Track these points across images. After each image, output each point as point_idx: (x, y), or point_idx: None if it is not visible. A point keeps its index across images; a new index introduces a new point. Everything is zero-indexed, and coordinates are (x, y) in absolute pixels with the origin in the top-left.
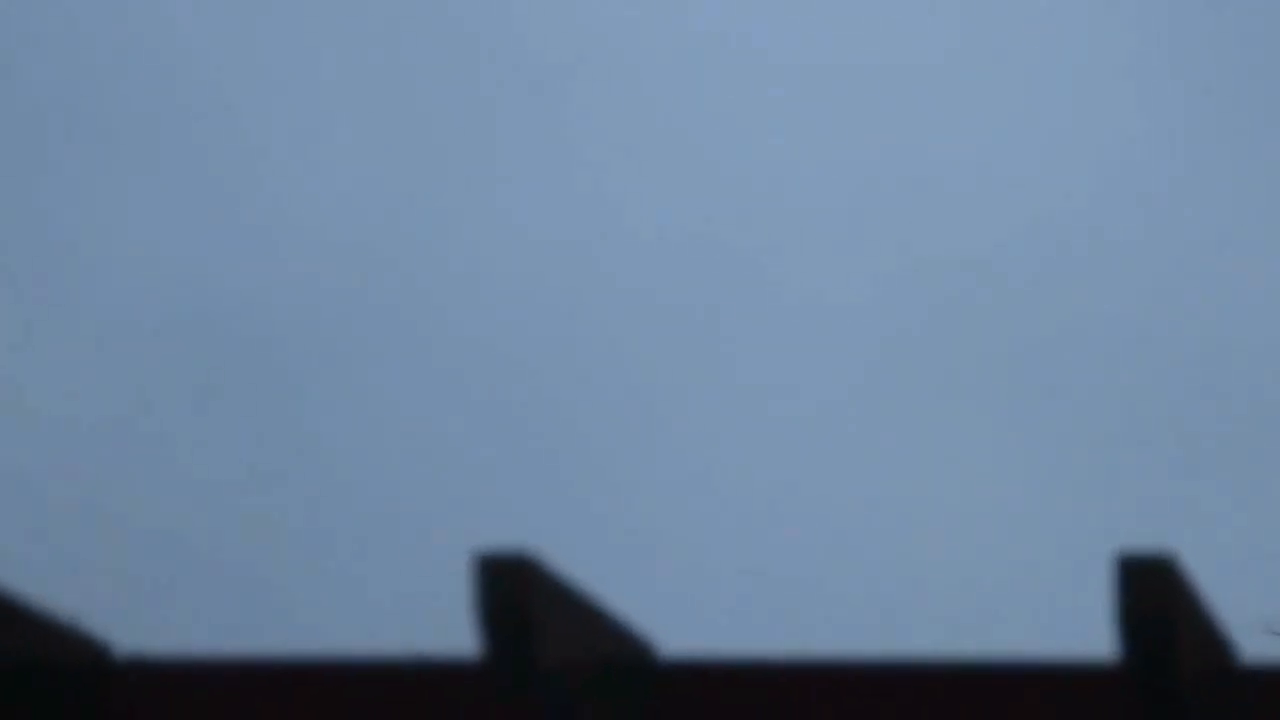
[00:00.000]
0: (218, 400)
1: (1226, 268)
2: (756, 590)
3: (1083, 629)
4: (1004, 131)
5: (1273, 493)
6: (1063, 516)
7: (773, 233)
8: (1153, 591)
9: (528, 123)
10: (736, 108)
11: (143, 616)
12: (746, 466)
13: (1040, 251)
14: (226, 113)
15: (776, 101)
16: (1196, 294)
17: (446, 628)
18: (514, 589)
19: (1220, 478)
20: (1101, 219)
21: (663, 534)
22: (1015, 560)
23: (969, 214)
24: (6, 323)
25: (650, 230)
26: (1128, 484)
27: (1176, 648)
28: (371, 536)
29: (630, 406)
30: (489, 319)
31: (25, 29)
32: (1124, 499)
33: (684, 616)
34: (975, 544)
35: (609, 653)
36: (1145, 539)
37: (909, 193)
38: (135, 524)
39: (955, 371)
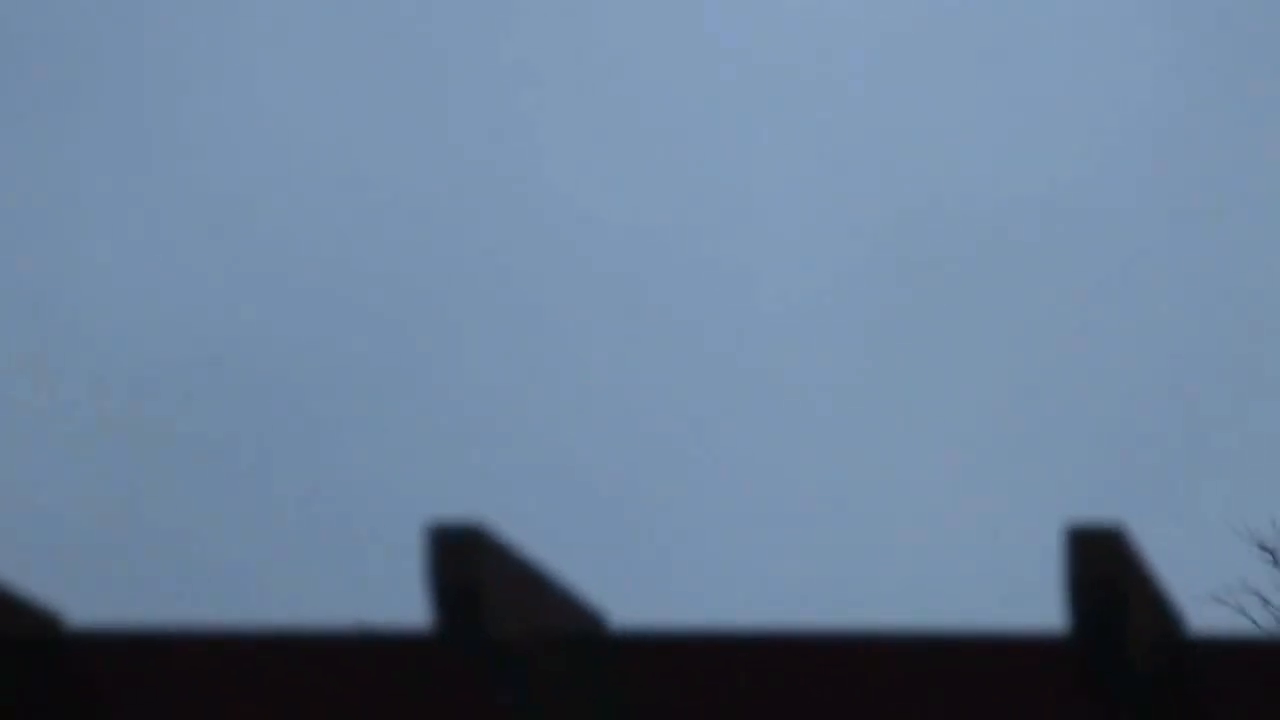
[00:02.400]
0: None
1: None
2: (713, 564)
3: (1039, 601)
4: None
5: (1226, 466)
6: (1020, 492)
7: (745, 230)
8: (1102, 560)
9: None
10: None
11: (91, 588)
12: (710, 441)
13: (1024, 224)
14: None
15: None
16: (1183, 263)
17: (398, 600)
18: (465, 560)
19: (1179, 456)
20: (1087, 193)
21: (615, 506)
22: (971, 534)
23: (955, 183)
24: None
25: (627, 213)
26: (1085, 460)
27: (1126, 616)
28: (323, 509)
29: (593, 382)
30: (441, 290)
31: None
32: (1082, 474)
33: (637, 589)
34: (931, 519)
35: (560, 624)
36: (1104, 511)
37: (889, 162)
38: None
39: (925, 351)
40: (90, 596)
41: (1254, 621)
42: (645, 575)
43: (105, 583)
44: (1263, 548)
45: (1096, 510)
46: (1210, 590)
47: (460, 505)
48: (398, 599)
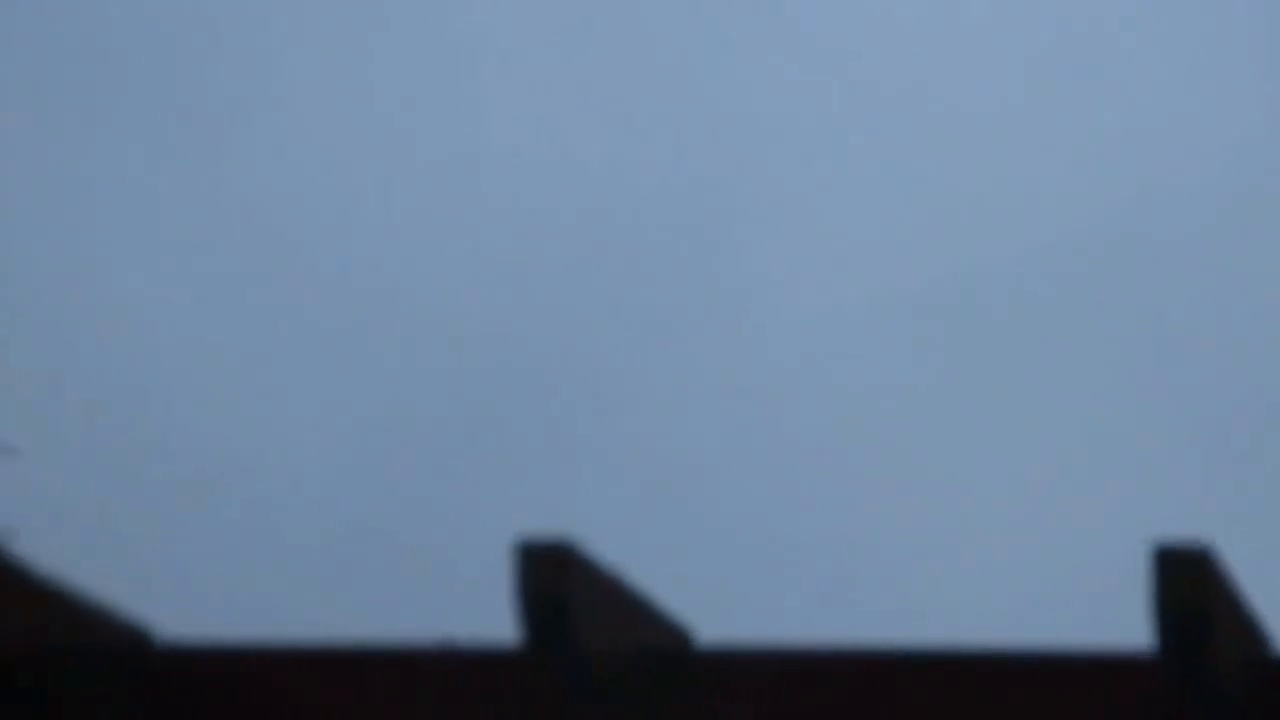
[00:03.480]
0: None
1: None
2: (795, 577)
3: (1121, 619)
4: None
5: None
6: (1103, 505)
7: (820, 202)
8: (1189, 582)
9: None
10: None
11: (185, 601)
12: (788, 450)
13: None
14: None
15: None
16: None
17: (486, 615)
18: (553, 576)
19: (1264, 467)
20: (1187, 195)
21: (702, 520)
22: (1054, 549)
23: (1034, 189)
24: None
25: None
26: (1172, 472)
27: (1212, 638)
28: (412, 524)
29: (674, 392)
30: (510, 305)
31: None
32: (1168, 487)
33: (723, 604)
34: (1015, 532)
35: (647, 640)
36: (1189, 529)
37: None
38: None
39: (1004, 348)
40: (183, 609)
41: None
42: (734, 591)
43: (187, 594)
44: None
45: (1185, 527)
46: None
47: (548, 521)
48: (485, 615)
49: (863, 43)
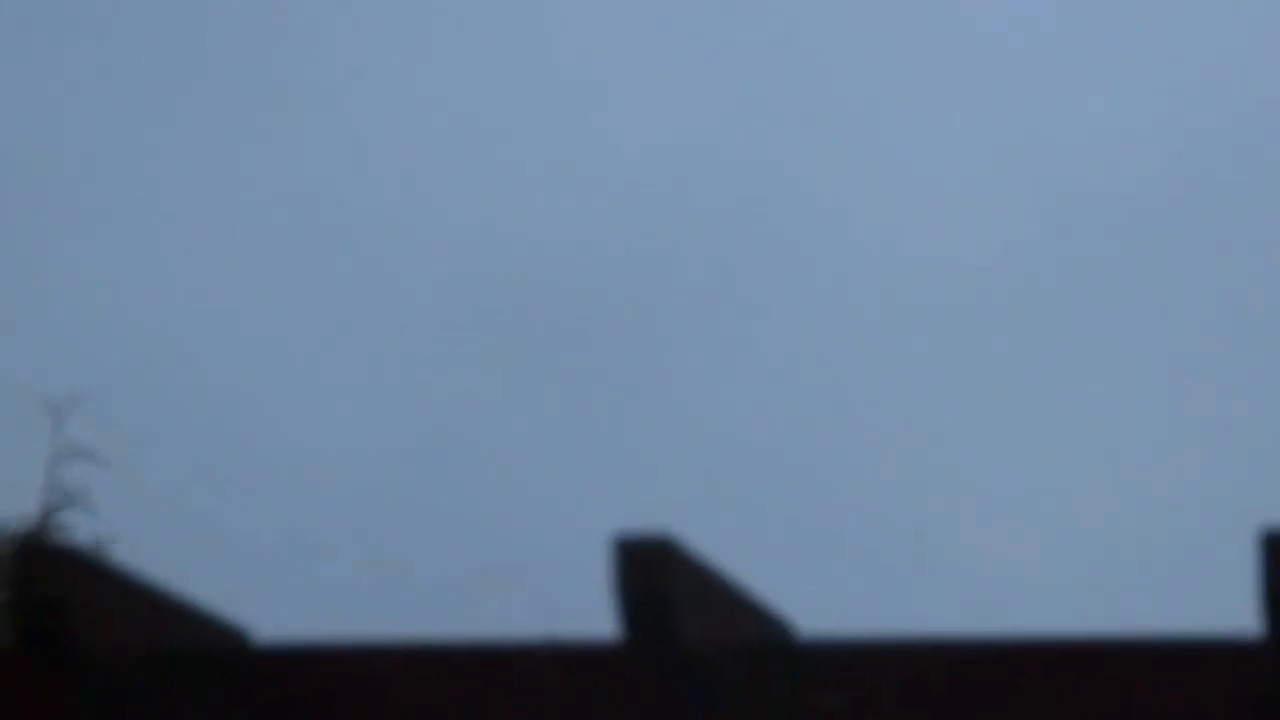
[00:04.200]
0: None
1: None
2: (892, 569)
3: (1228, 605)
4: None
5: None
6: (1209, 489)
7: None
8: None
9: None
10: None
11: (279, 602)
12: (883, 449)
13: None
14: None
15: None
16: None
17: (585, 611)
18: (654, 571)
19: None
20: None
21: (802, 512)
22: (1155, 534)
23: (1120, 159)
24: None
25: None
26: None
27: None
28: (512, 522)
29: (772, 394)
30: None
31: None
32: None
33: (824, 598)
34: (1112, 517)
35: (748, 634)
36: None
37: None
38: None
39: (1105, 329)
40: (277, 609)
41: None
42: (833, 583)
43: (285, 593)
44: None
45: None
46: None
47: (646, 515)
48: (583, 610)
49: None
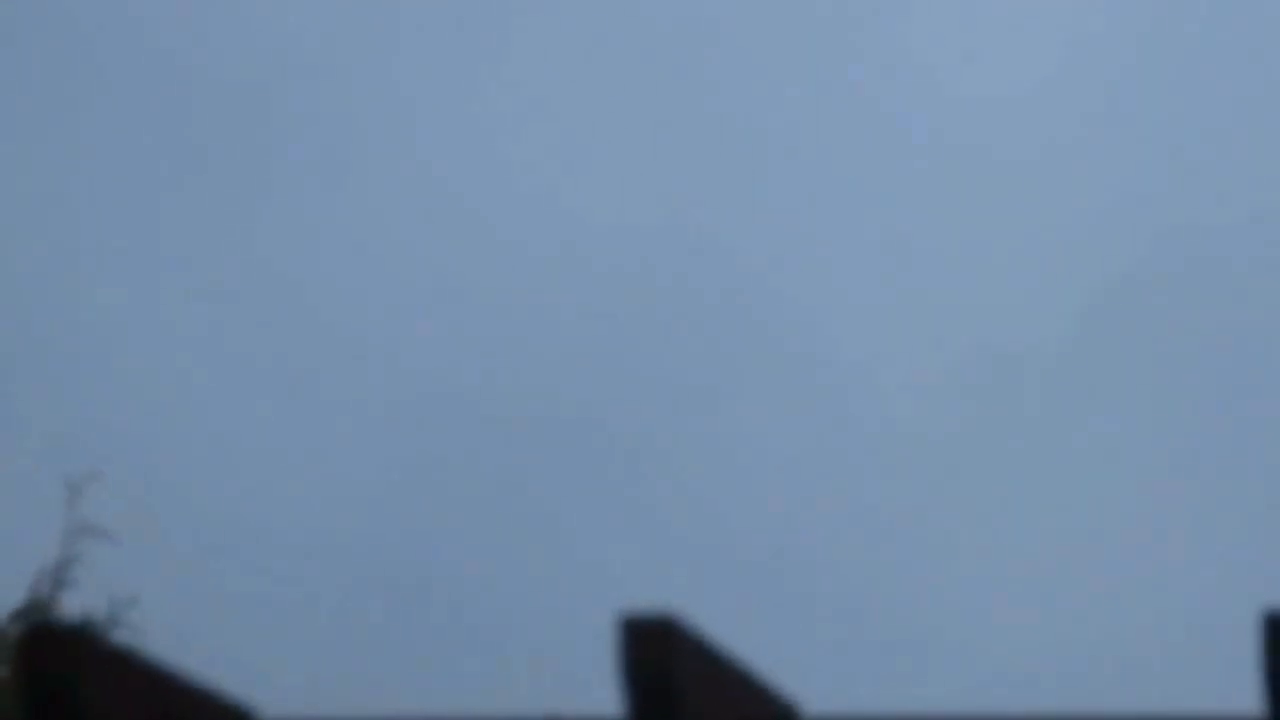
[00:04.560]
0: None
1: None
2: (895, 647)
3: (1222, 685)
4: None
5: None
6: (1214, 569)
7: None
8: None
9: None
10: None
11: (283, 678)
12: (897, 520)
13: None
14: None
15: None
16: None
17: (589, 689)
18: (658, 651)
19: None
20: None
21: (805, 591)
22: (1155, 615)
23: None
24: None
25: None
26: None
27: None
28: (513, 599)
29: (777, 461)
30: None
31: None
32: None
33: (829, 677)
34: (1115, 597)
35: (753, 713)
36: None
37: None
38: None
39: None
40: (281, 686)
41: None
42: (838, 663)
43: (295, 671)
44: None
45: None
46: None
47: (650, 594)
48: (587, 689)
49: (905, 102)
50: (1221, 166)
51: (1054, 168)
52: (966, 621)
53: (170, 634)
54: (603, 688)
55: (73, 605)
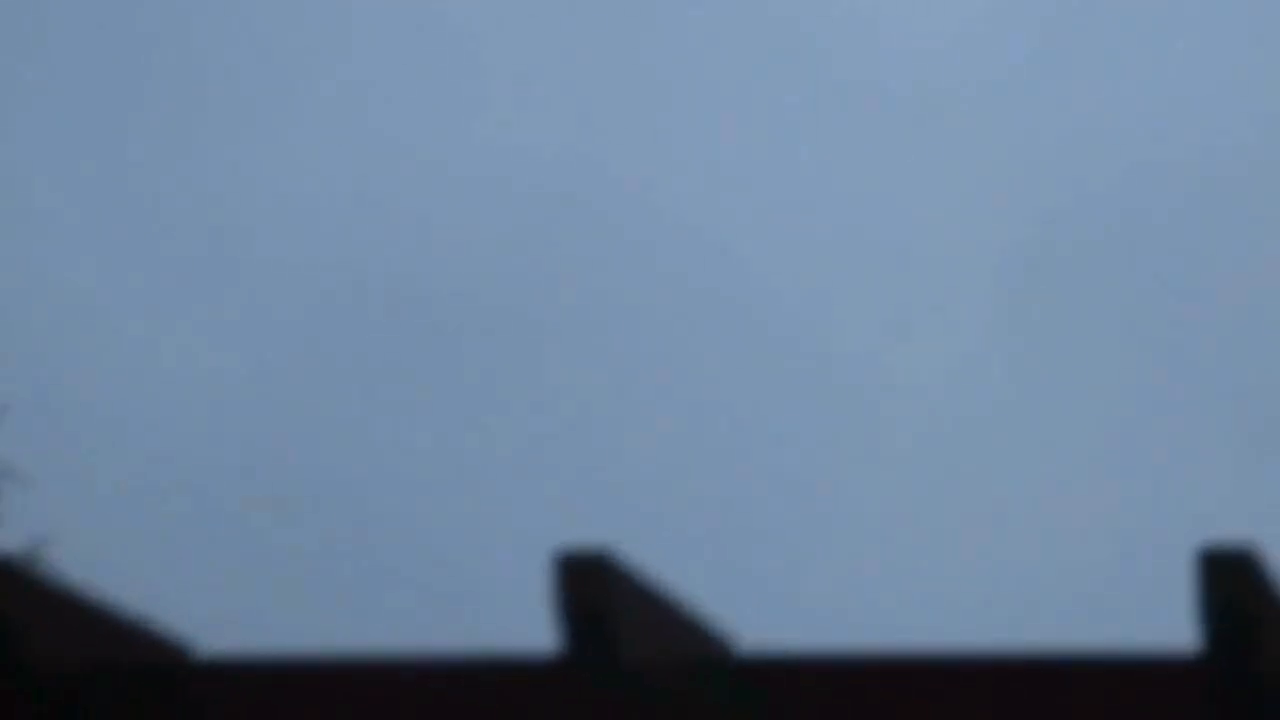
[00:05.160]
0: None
1: None
2: (842, 582)
3: (1164, 620)
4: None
5: None
6: (1144, 506)
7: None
8: (1234, 584)
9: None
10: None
11: (223, 613)
12: (833, 457)
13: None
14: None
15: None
16: None
17: (524, 623)
18: (593, 585)
19: None
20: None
21: (741, 525)
22: (1096, 549)
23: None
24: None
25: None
26: (1222, 468)
27: (1260, 640)
28: (448, 534)
29: (709, 405)
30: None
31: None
32: (1219, 485)
33: (765, 611)
34: (1055, 532)
35: (689, 648)
36: (1232, 526)
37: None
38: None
39: (1055, 351)
40: (221, 621)
41: None
42: (774, 596)
43: (234, 607)
44: None
45: (1231, 524)
46: None
47: (585, 529)
48: (520, 624)
49: (867, 40)
50: (1168, 104)
51: (984, 109)
52: (907, 555)
53: (91, 573)
54: (536, 623)
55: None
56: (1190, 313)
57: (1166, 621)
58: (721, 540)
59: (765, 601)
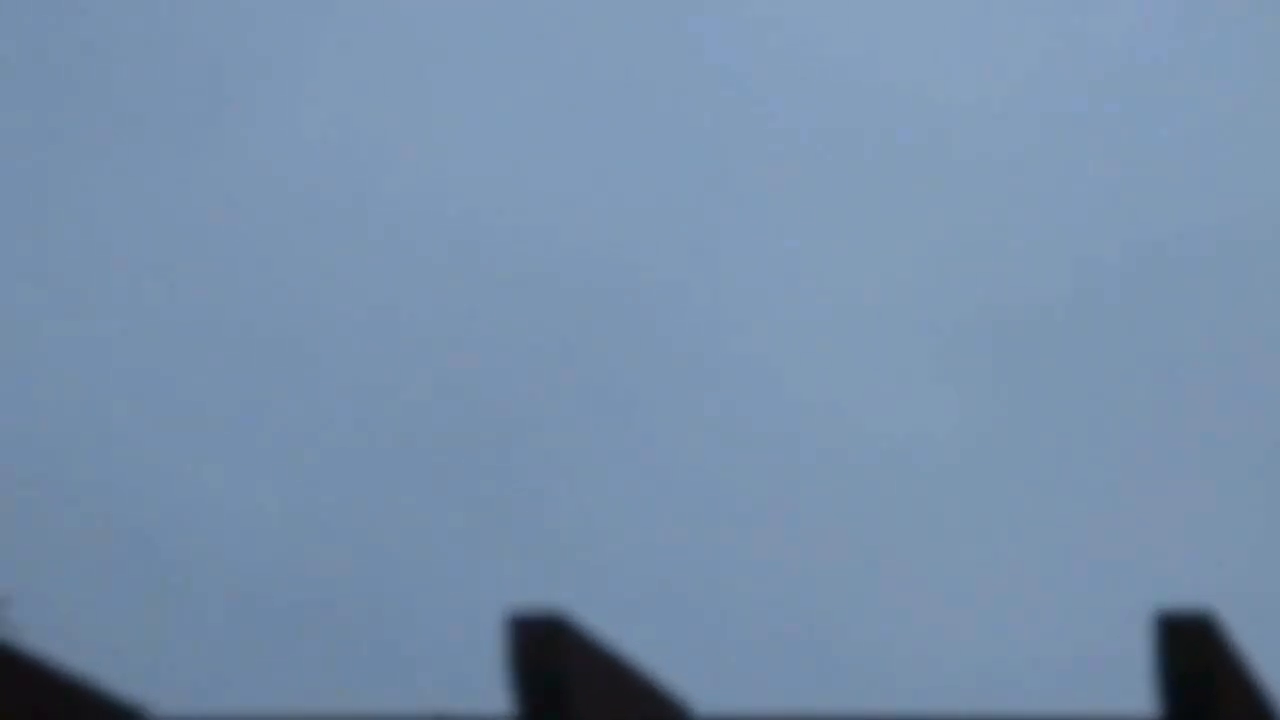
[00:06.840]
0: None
1: None
2: (790, 647)
3: (1122, 685)
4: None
5: None
6: (1104, 571)
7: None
8: (1193, 649)
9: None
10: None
11: (175, 674)
12: (788, 520)
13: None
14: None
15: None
16: None
17: (478, 687)
18: (547, 650)
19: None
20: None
21: (695, 591)
22: (1052, 616)
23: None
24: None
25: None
26: (1179, 538)
27: (1217, 705)
28: (404, 596)
29: (663, 470)
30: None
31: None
32: (1175, 555)
33: (719, 676)
34: (1017, 602)
35: (643, 712)
36: (1197, 593)
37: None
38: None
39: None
40: (174, 683)
41: None
42: (729, 661)
43: (171, 670)
44: None
45: (1189, 592)
46: None
47: (540, 595)
48: (474, 689)
49: (884, 85)
50: (1196, 173)
51: (1017, 171)
52: (866, 625)
53: (51, 635)
54: (491, 688)
55: None
56: (1155, 380)
57: (1129, 687)
58: (677, 604)
59: (720, 666)
